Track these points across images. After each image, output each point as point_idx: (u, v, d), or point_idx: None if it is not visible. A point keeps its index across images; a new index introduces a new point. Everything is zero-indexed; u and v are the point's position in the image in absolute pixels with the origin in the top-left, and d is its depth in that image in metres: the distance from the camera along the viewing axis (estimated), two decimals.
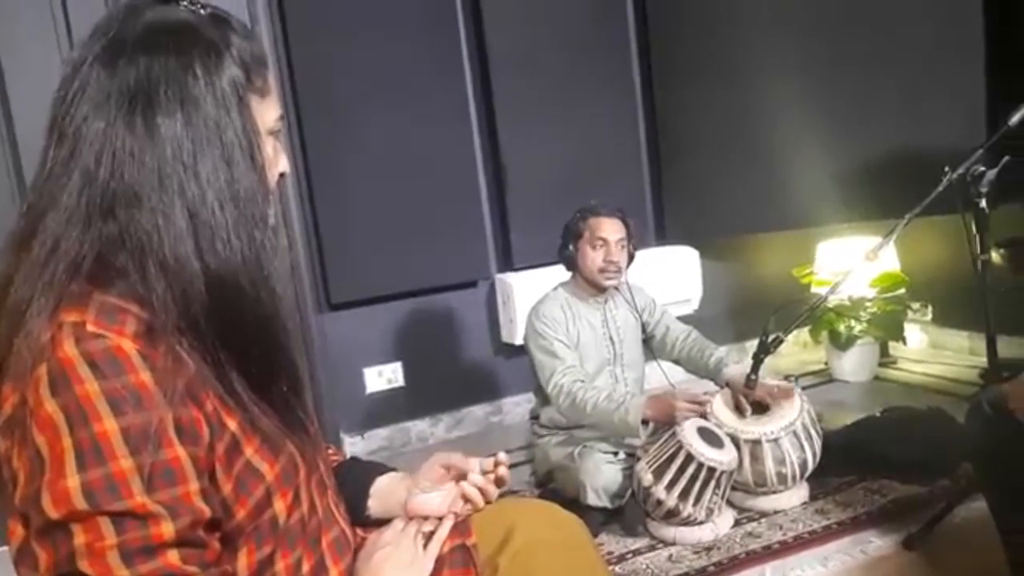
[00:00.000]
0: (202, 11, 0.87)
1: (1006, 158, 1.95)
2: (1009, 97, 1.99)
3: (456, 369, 3.36)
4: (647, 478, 2.20)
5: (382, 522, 1.13)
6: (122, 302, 0.80)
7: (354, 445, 3.18)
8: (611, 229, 2.40)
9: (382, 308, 3.18)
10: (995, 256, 2.08)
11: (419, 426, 3.30)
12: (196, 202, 0.81)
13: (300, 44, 2.88)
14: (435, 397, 3.31)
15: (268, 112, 0.90)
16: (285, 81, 2.91)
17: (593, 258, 2.42)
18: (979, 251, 1.99)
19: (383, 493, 1.15)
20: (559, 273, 2.60)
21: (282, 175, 0.96)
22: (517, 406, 3.40)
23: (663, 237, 3.60)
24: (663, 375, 2.58)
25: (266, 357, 0.86)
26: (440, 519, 1.12)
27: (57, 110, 0.83)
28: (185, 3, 0.86)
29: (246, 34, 0.89)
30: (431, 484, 1.16)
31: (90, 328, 0.76)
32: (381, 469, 1.20)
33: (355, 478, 1.16)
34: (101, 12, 0.87)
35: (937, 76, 2.80)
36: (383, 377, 3.23)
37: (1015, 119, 1.93)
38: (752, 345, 2.28)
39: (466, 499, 1.14)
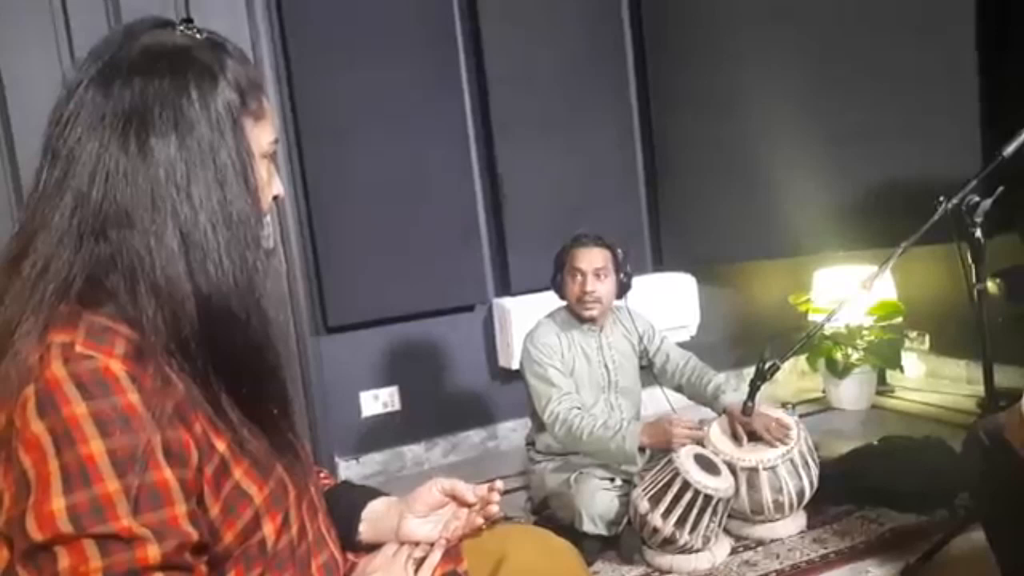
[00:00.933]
0: (198, 35, 0.88)
1: (1001, 188, 1.96)
2: (1004, 127, 2.00)
3: (452, 394, 3.35)
4: (643, 505, 2.18)
5: (373, 547, 1.12)
6: (111, 323, 0.79)
7: (349, 469, 3.16)
8: (587, 259, 2.41)
9: (379, 332, 3.17)
10: (991, 285, 2.09)
11: (414, 450, 3.28)
12: (188, 223, 0.81)
13: (300, 67, 2.91)
14: (431, 421, 3.30)
15: (263, 135, 0.91)
16: (285, 104, 2.93)
17: (572, 288, 2.43)
18: (975, 280, 1.99)
19: (375, 518, 1.14)
20: (556, 298, 2.60)
21: (275, 198, 0.96)
22: (513, 431, 3.38)
23: (660, 263, 3.60)
24: (667, 401, 2.57)
25: (256, 380, 0.86)
26: (431, 545, 1.11)
27: (52, 131, 0.83)
28: (182, 28, 0.87)
29: (242, 58, 0.90)
30: (426, 508, 1.14)
31: (79, 349, 0.76)
32: (373, 493, 1.19)
33: (347, 502, 1.15)
34: (103, 26, 0.89)
35: (932, 106, 2.82)
36: (379, 401, 3.22)
37: (1010, 149, 1.94)
38: (749, 372, 2.27)
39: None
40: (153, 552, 0.74)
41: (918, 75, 2.85)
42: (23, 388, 0.75)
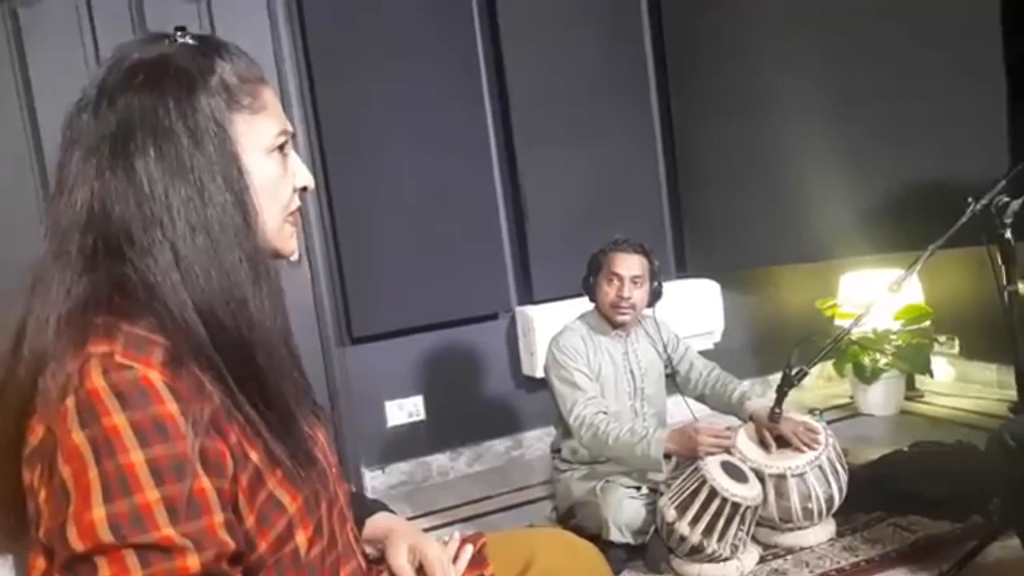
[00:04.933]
0: (190, 41, 0.87)
1: None
2: None
3: (477, 402, 3.35)
4: (670, 513, 2.17)
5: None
6: (149, 334, 0.80)
7: (375, 479, 3.17)
8: (625, 265, 2.41)
9: (403, 341, 3.19)
10: (1022, 288, 2.05)
11: (440, 460, 3.29)
12: (174, 234, 0.82)
13: (324, 82, 2.94)
14: (456, 431, 3.30)
15: (264, 128, 0.90)
16: (310, 118, 2.97)
17: (607, 292, 2.43)
18: (1005, 283, 1.96)
19: (374, 540, 1.15)
20: (580, 306, 2.60)
21: (304, 189, 0.95)
22: (538, 440, 3.38)
23: (684, 269, 3.59)
24: (689, 410, 2.56)
25: (258, 386, 0.85)
26: (460, 541, 1.11)
27: (58, 158, 0.86)
28: (170, 37, 0.87)
29: (236, 54, 0.89)
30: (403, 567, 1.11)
31: (118, 359, 0.77)
32: (373, 509, 1.19)
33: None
34: (129, 35, 0.89)
35: (959, 107, 2.79)
36: (404, 410, 3.23)
37: None
38: (776, 378, 2.26)
39: None
40: (193, 561, 0.74)
41: (945, 76, 2.81)
42: (63, 399, 0.75)
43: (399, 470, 3.23)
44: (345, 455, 3.02)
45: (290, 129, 0.93)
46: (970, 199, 1.96)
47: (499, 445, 3.38)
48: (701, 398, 2.61)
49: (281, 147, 0.92)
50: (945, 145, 2.82)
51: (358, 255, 3.04)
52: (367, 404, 3.16)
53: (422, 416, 3.26)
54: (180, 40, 0.87)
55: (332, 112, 2.96)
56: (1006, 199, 1.93)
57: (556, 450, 2.61)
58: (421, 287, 3.10)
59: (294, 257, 0.96)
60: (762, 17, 3.17)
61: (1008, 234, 1.94)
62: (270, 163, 0.90)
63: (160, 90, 0.83)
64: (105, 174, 0.82)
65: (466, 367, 3.33)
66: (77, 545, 0.72)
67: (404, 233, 3.07)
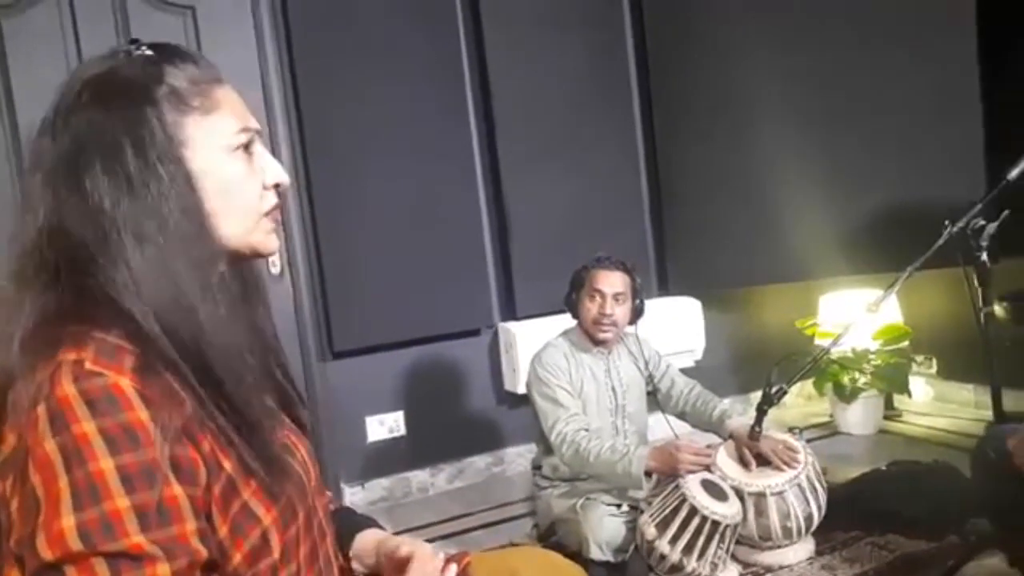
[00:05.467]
0: (145, 52, 0.87)
1: (1006, 212, 1.97)
2: (1008, 151, 2.02)
3: (458, 418, 3.34)
4: (650, 531, 2.17)
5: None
6: (119, 341, 0.80)
7: (355, 495, 3.14)
8: (608, 282, 2.42)
9: (385, 356, 3.17)
10: (998, 309, 2.08)
11: (420, 476, 3.27)
12: (125, 247, 0.82)
13: (309, 93, 2.94)
14: (437, 446, 3.29)
15: (219, 127, 0.88)
16: (294, 130, 2.97)
17: (589, 308, 2.44)
18: (981, 304, 1.99)
19: (363, 555, 1.13)
20: (562, 322, 2.61)
21: (277, 186, 0.94)
22: (519, 456, 3.37)
23: (665, 288, 3.61)
24: (669, 428, 2.56)
25: (220, 394, 0.84)
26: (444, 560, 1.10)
27: (23, 185, 0.86)
28: (125, 51, 0.87)
29: (190, 58, 0.89)
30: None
31: (89, 366, 0.76)
32: (363, 524, 1.18)
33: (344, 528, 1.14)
34: (112, 39, 0.89)
35: (936, 130, 2.84)
36: (384, 426, 3.22)
37: (1014, 173, 1.96)
38: (756, 396, 2.27)
39: None
40: (163, 570, 0.73)
41: (922, 100, 2.87)
42: (34, 407, 0.75)
43: (379, 486, 3.20)
44: (324, 470, 2.99)
45: (254, 126, 0.92)
46: (947, 222, 1.99)
47: (480, 461, 3.37)
48: (682, 416, 2.61)
49: (247, 146, 0.91)
50: (923, 168, 2.86)
51: (340, 269, 3.03)
52: (347, 419, 3.14)
53: (403, 432, 3.24)
54: (135, 52, 0.87)
55: (317, 124, 2.96)
56: (982, 222, 1.97)
57: (537, 467, 2.60)
58: (403, 302, 3.09)
59: (275, 270, 0.96)
60: (744, 38, 3.21)
61: (984, 256, 1.97)
62: (233, 162, 0.89)
63: (106, 105, 0.83)
64: (61, 194, 0.82)
65: (448, 383, 3.32)
66: (46, 554, 0.71)
67: (387, 247, 3.07)
